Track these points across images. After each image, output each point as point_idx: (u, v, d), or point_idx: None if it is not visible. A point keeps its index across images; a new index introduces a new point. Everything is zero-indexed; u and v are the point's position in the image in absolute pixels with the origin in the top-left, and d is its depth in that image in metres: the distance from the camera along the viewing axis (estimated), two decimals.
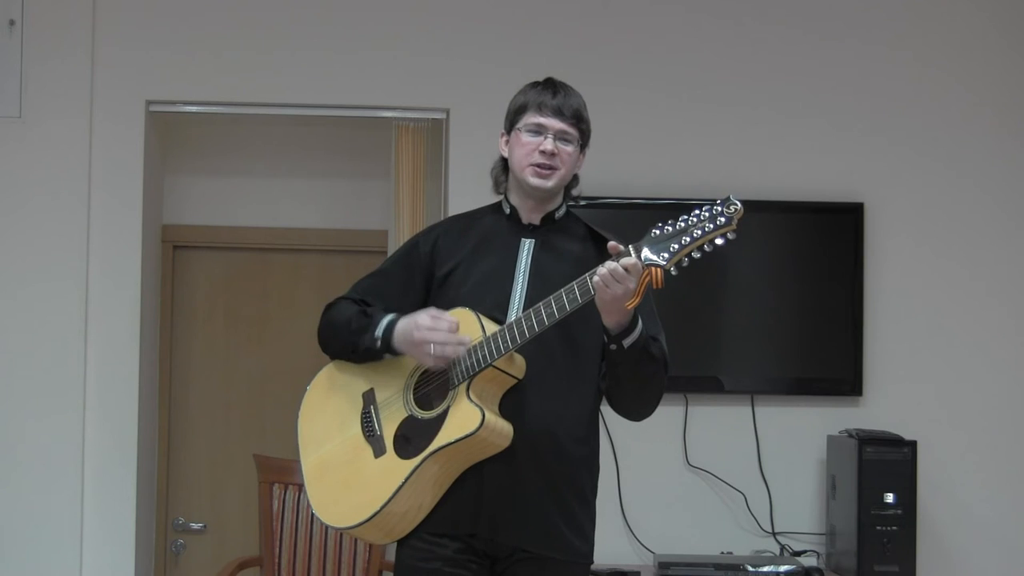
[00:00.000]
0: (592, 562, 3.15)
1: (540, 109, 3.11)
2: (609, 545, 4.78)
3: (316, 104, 4.98)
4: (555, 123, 3.10)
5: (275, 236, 5.48)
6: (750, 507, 4.86)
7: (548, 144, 3.09)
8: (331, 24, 4.94)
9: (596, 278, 2.86)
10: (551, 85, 3.16)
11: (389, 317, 3.10)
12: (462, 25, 4.96)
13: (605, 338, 2.99)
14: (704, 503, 4.88)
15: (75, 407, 4.81)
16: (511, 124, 3.16)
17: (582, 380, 3.09)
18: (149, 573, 5.17)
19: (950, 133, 4.99)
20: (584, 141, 3.16)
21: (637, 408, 3.15)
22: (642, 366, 3.02)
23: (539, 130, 3.10)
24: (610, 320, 2.94)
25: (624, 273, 2.83)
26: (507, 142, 3.18)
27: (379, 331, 3.09)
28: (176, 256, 5.47)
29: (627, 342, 2.96)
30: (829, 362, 4.90)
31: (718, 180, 4.88)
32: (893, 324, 4.92)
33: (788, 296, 4.93)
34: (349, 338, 3.16)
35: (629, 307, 2.87)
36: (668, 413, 4.87)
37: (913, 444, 4.52)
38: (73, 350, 4.81)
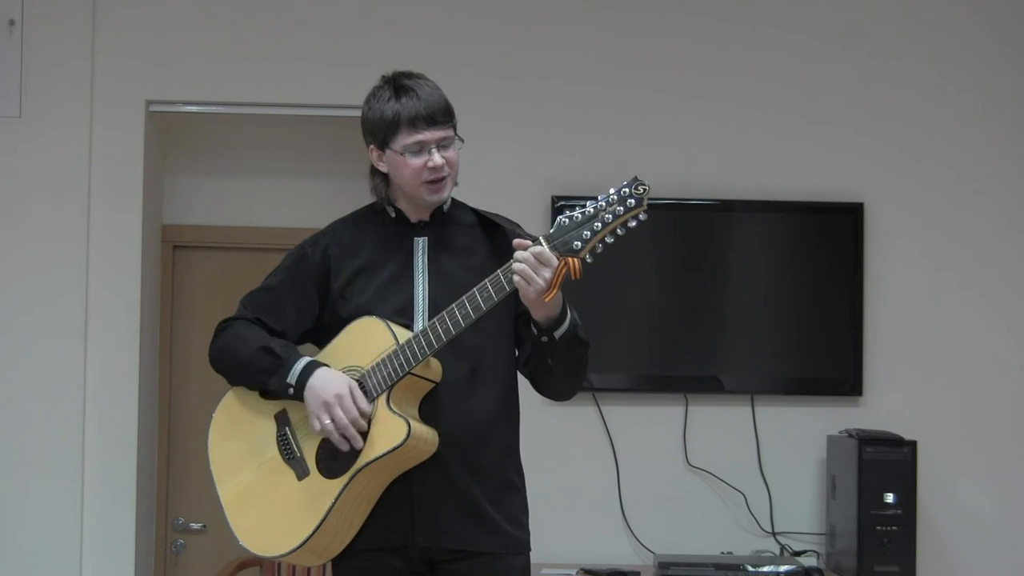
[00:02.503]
0: (530, 549, 3.10)
1: (414, 125, 2.96)
2: (609, 545, 4.79)
3: (316, 104, 4.98)
4: (434, 134, 2.98)
5: (275, 236, 5.46)
6: (750, 507, 4.86)
7: (436, 159, 2.98)
8: (331, 24, 4.94)
9: (516, 277, 2.81)
10: (409, 91, 3.00)
11: (304, 362, 2.99)
12: (461, 25, 4.96)
13: (534, 330, 2.92)
14: (704, 503, 4.88)
15: (75, 407, 4.81)
16: (382, 142, 3.01)
17: (494, 369, 3.04)
18: (149, 573, 5.17)
19: (950, 133, 4.98)
20: (457, 131, 3.05)
21: (566, 390, 3.10)
22: (573, 352, 2.96)
23: (421, 148, 2.98)
24: (539, 314, 2.88)
25: (537, 263, 2.78)
26: (380, 158, 3.04)
27: (292, 378, 2.98)
28: (176, 256, 5.46)
29: (558, 333, 2.90)
30: (829, 362, 4.90)
31: (718, 180, 4.89)
32: (893, 324, 4.91)
33: (788, 296, 4.92)
34: (255, 377, 3.05)
35: (547, 300, 2.81)
36: (668, 413, 4.88)
37: (913, 444, 4.52)
38: (73, 350, 4.81)
